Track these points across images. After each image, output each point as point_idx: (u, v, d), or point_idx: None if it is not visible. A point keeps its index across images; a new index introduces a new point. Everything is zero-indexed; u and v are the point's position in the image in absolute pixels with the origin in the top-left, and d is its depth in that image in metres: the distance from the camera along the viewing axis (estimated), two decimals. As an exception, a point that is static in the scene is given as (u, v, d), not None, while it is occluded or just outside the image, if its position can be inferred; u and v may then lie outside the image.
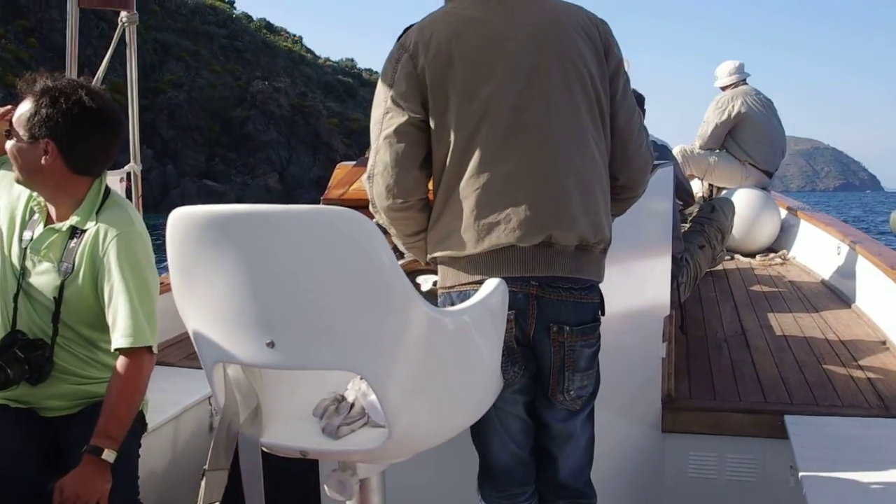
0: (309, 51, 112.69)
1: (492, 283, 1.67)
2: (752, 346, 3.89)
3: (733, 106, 6.38)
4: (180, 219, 1.46)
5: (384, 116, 1.80)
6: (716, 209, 4.95)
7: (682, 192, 5.08)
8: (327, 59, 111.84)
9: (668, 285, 3.14)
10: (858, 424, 2.86)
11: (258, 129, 72.11)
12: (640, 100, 4.93)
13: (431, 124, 1.80)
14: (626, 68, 1.97)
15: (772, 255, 6.10)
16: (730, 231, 5.17)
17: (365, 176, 1.87)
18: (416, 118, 1.79)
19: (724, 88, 6.62)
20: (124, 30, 3.90)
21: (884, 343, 3.86)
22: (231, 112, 73.22)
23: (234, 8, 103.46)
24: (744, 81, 6.58)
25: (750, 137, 6.42)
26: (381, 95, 1.82)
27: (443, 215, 1.82)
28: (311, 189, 66.25)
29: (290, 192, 67.14)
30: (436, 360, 1.50)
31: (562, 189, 1.76)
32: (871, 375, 3.41)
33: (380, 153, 1.80)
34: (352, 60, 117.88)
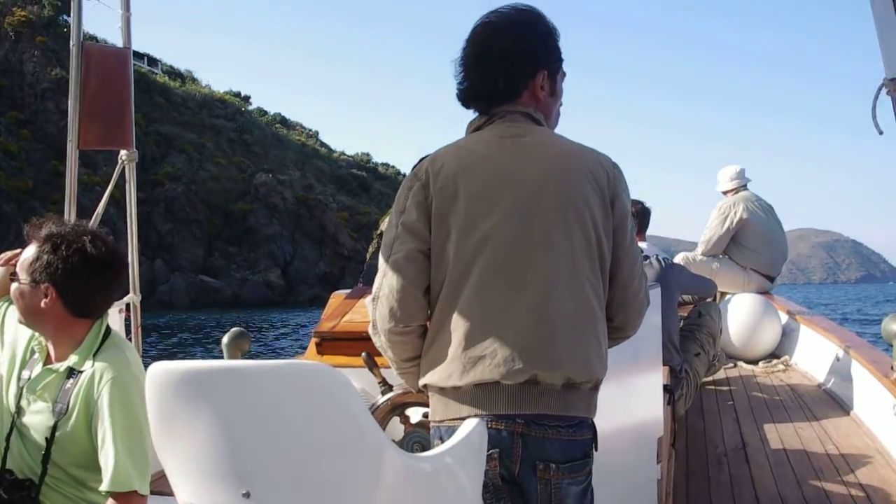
0: (324, 145, 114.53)
1: (471, 423, 1.78)
2: (752, 461, 4.03)
3: (735, 212, 6.74)
4: (159, 374, 1.60)
5: (394, 241, 1.91)
6: (703, 314, 5.14)
7: (699, 293, 5.24)
8: (342, 154, 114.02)
9: (660, 406, 3.30)
10: None
11: (260, 222, 72.52)
12: (646, 212, 5.20)
13: (432, 254, 1.90)
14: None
15: (774, 361, 6.28)
16: (720, 334, 5.36)
17: (369, 298, 1.96)
18: (425, 246, 1.89)
19: (725, 193, 6.96)
20: (124, 167, 4.13)
21: (881, 453, 4.00)
22: (234, 205, 73.99)
23: (250, 104, 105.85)
24: (744, 187, 6.95)
25: (752, 243, 6.74)
26: (394, 221, 1.93)
27: (434, 343, 1.89)
28: (315, 284, 66.13)
29: (292, 288, 67.00)
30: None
31: (550, 329, 1.81)
32: (870, 490, 3.54)
33: (387, 276, 1.90)
34: (367, 155, 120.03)
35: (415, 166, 1.99)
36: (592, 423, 1.93)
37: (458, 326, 1.84)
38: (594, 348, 1.88)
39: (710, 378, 5.73)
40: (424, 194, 1.90)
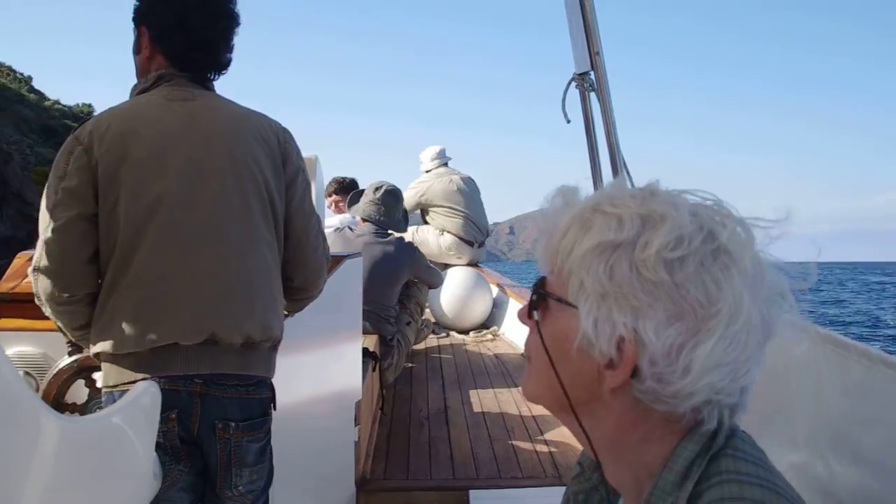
0: (35, 91, 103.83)
1: (141, 385, 1.81)
2: (452, 423, 4.55)
3: (428, 184, 7.43)
4: None
5: (55, 208, 1.91)
6: (409, 286, 5.65)
7: (426, 281, 5.73)
8: (56, 102, 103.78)
9: (359, 371, 3.67)
10: (534, 494, 3.55)
11: (-88, 171, 64.01)
12: (354, 183, 5.65)
13: (100, 219, 1.92)
14: (313, 168, 2.32)
15: (484, 331, 6.99)
16: (426, 302, 5.97)
17: (31, 268, 1.95)
18: (87, 213, 1.91)
19: (428, 172, 7.65)
20: None
21: None
22: None
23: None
24: (445, 164, 7.67)
25: (444, 208, 7.42)
26: (53, 186, 1.92)
27: (105, 310, 1.93)
28: (-9, 249, 60.22)
29: (-51, 255, 59.96)
30: (76, 471, 1.62)
31: (227, 289, 1.95)
32: (552, 447, 4.17)
33: (47, 246, 1.90)
34: (89, 106, 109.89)
35: (75, 129, 2.01)
36: (271, 382, 2.11)
37: (131, 291, 1.90)
38: (272, 307, 2.06)
39: (420, 346, 6.31)
40: (87, 158, 1.93)
